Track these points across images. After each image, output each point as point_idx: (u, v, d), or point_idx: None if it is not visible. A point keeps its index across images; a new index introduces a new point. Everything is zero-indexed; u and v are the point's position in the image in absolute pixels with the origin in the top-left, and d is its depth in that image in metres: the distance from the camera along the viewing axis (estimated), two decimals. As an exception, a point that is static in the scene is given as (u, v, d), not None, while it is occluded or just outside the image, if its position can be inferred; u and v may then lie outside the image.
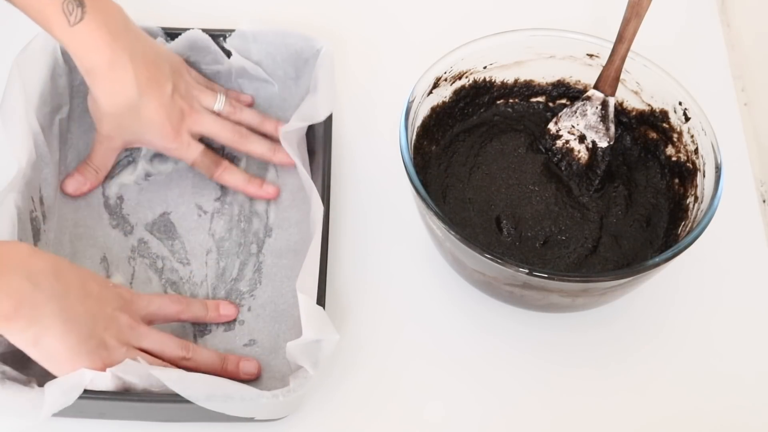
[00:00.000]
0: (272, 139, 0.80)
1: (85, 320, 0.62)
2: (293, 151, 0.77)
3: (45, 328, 0.60)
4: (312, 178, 0.78)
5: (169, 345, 0.67)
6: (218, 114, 0.79)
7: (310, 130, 0.80)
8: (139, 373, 0.63)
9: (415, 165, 0.70)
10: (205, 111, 0.78)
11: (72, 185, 0.77)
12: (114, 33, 0.71)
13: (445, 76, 0.76)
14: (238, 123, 0.79)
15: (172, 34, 0.81)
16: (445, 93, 0.77)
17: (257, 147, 0.79)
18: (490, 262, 0.65)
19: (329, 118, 0.79)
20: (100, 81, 0.73)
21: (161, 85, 0.74)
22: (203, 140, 0.79)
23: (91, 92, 0.75)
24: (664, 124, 0.76)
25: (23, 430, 0.63)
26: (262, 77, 0.83)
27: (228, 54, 0.82)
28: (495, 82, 0.79)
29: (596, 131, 0.77)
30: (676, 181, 0.76)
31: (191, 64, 0.83)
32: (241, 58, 0.81)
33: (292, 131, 0.77)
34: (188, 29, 0.81)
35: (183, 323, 0.73)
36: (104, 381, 0.63)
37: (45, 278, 0.61)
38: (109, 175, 0.80)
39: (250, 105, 0.83)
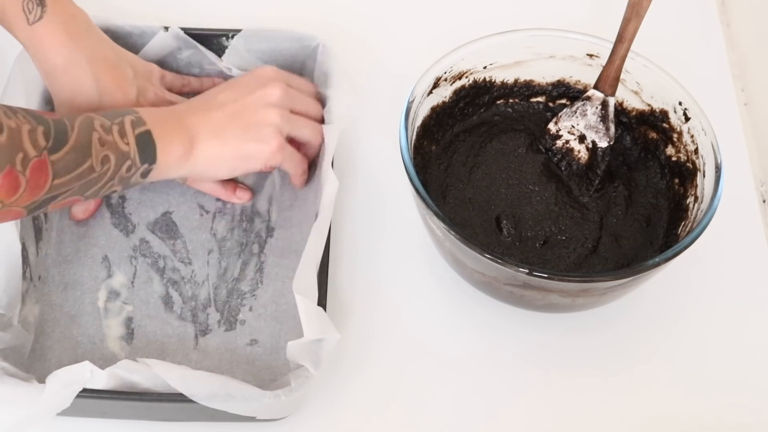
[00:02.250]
0: None
1: (232, 121, 0.71)
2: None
3: (209, 151, 0.70)
4: (312, 178, 0.78)
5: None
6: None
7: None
8: (141, 372, 0.63)
9: (415, 165, 0.70)
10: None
11: (79, 210, 0.77)
12: (73, 34, 0.71)
13: (445, 76, 0.76)
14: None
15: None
16: (445, 93, 0.77)
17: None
18: (490, 262, 0.65)
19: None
20: (58, 82, 0.72)
21: (124, 89, 0.74)
22: None
23: (54, 99, 0.73)
24: (664, 124, 0.76)
25: (26, 427, 0.63)
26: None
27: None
28: (495, 82, 0.79)
29: (596, 131, 0.77)
30: (676, 181, 0.76)
31: (192, 63, 0.83)
32: (243, 52, 0.82)
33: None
34: (189, 29, 0.81)
35: (183, 325, 0.73)
36: (105, 378, 0.63)
37: (188, 115, 0.70)
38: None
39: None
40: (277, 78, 0.75)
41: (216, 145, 0.70)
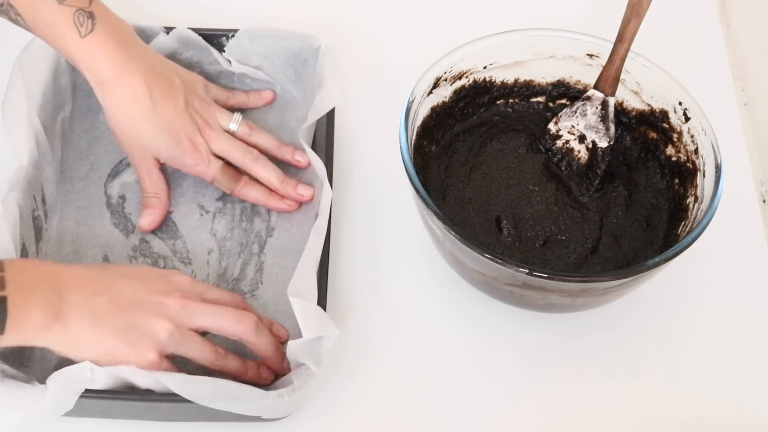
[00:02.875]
0: (290, 164, 0.80)
1: (117, 318, 0.62)
2: (309, 146, 0.77)
3: (77, 333, 0.61)
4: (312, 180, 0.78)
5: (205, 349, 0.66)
6: (233, 134, 0.78)
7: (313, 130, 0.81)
8: (142, 375, 0.63)
9: (415, 165, 0.70)
10: (221, 129, 0.77)
11: (145, 221, 0.77)
12: (123, 44, 0.72)
13: (445, 76, 0.76)
14: (253, 145, 0.78)
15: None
16: (445, 93, 0.77)
17: (265, 173, 0.77)
18: (490, 262, 0.65)
19: (331, 119, 0.79)
20: (111, 93, 0.73)
21: (173, 96, 0.74)
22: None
23: (105, 111, 0.74)
24: (664, 124, 0.76)
25: (26, 428, 0.63)
26: (263, 78, 0.84)
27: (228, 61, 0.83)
28: (495, 82, 0.79)
29: (596, 131, 0.77)
30: (676, 181, 0.76)
31: (193, 63, 0.83)
32: (241, 65, 0.82)
33: (306, 128, 0.78)
34: (190, 28, 0.82)
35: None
36: (104, 378, 0.63)
37: (69, 287, 0.62)
38: (112, 175, 0.80)
39: (272, 100, 0.83)
40: (188, 290, 0.66)
41: (86, 331, 0.62)
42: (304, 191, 0.78)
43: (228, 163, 0.77)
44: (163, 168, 0.77)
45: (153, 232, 0.77)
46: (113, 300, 0.63)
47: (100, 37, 0.71)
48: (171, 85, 0.75)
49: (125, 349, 0.62)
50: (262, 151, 0.79)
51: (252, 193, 0.78)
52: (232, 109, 0.80)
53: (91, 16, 0.71)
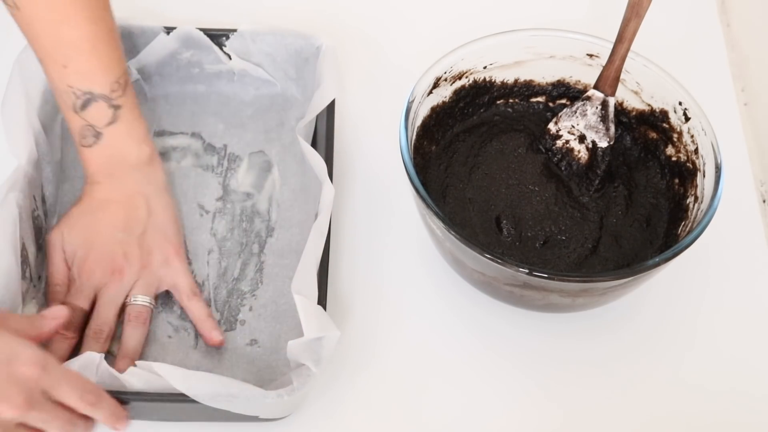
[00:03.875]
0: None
1: None
2: (308, 143, 0.77)
3: None
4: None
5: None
6: (123, 304, 0.72)
7: (313, 129, 0.81)
8: (141, 374, 0.63)
9: (415, 165, 0.70)
10: (121, 290, 0.72)
11: (48, 325, 0.67)
12: (114, 171, 0.73)
13: (445, 76, 0.76)
14: (123, 326, 0.71)
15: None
16: (445, 93, 0.77)
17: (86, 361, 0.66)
18: (490, 262, 0.65)
19: (331, 118, 0.79)
20: (88, 191, 0.74)
21: (117, 227, 0.72)
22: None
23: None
24: (664, 124, 0.76)
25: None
26: (264, 77, 0.84)
27: (228, 56, 0.82)
28: (495, 82, 0.79)
29: (596, 131, 0.77)
30: (676, 181, 0.76)
31: (193, 63, 0.83)
32: (242, 61, 0.82)
33: (305, 125, 0.78)
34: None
35: (183, 325, 0.73)
36: (105, 378, 0.63)
37: None
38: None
39: (219, 344, 0.72)
40: (34, 383, 0.59)
41: None
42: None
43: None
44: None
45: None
46: None
47: (94, 155, 0.73)
48: (129, 220, 0.73)
49: None
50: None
51: (59, 349, 0.69)
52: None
53: (97, 136, 0.72)
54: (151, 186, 0.75)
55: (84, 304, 0.71)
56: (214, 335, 0.71)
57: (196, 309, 0.72)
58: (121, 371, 0.64)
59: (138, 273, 0.72)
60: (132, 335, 0.70)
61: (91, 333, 0.70)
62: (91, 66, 0.70)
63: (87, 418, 0.63)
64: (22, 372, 0.58)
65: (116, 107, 0.72)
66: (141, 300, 0.71)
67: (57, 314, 0.66)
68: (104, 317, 0.70)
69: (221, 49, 0.82)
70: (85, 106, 0.71)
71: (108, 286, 0.71)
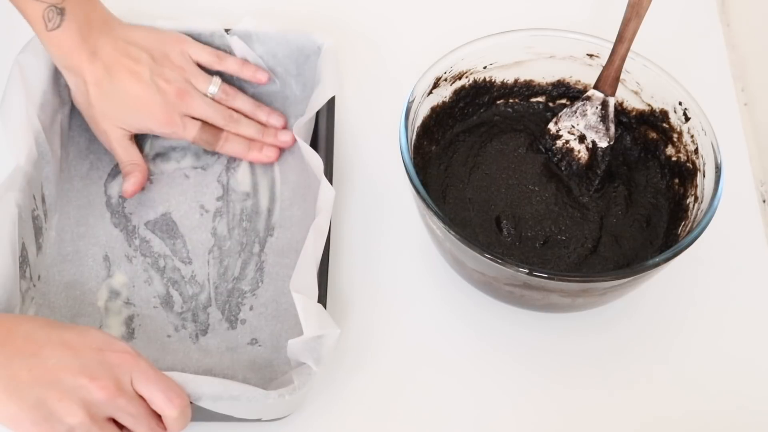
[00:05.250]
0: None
1: (30, 389, 0.58)
2: (307, 143, 0.77)
3: None
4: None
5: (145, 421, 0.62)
6: (212, 98, 0.80)
7: (312, 129, 0.81)
8: None
9: (415, 165, 0.70)
10: (198, 94, 0.79)
11: (128, 185, 0.78)
12: (87, 37, 0.75)
13: (445, 76, 0.76)
14: (232, 108, 0.81)
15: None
16: (445, 93, 0.77)
17: (247, 129, 0.80)
18: (490, 262, 0.65)
19: (331, 118, 0.79)
20: (73, 78, 0.76)
21: (137, 72, 0.76)
22: None
23: (71, 93, 0.78)
24: (664, 124, 0.76)
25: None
26: (264, 74, 0.84)
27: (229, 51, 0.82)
28: (495, 82, 0.79)
29: (596, 131, 0.77)
30: (676, 181, 0.76)
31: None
32: (244, 48, 0.81)
33: (302, 124, 0.78)
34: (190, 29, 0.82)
35: (184, 324, 0.73)
36: None
37: None
38: (112, 174, 0.80)
39: (265, 81, 0.82)
40: (124, 373, 0.61)
41: None
42: (284, 137, 0.81)
43: (206, 123, 0.79)
44: (134, 138, 0.79)
45: (153, 231, 0.77)
46: (33, 368, 0.58)
47: (65, 32, 0.74)
48: (136, 61, 0.76)
49: (29, 426, 0.58)
50: (241, 114, 0.81)
51: (233, 148, 0.80)
52: (221, 74, 0.81)
53: (61, 12, 0.73)
54: (116, 26, 0.77)
55: (195, 125, 0.78)
56: (259, 75, 0.81)
57: (232, 65, 0.81)
58: (280, 125, 0.80)
59: (184, 78, 0.78)
60: (243, 102, 0.81)
61: (228, 126, 0.79)
62: None
63: (161, 421, 0.63)
64: (114, 358, 0.61)
65: None
66: (213, 84, 0.79)
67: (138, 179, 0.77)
68: (217, 112, 0.79)
69: (223, 43, 0.82)
70: None
71: (189, 104, 0.78)
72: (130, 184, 0.78)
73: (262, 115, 0.82)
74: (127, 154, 0.78)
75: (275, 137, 0.81)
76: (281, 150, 0.81)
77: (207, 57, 0.80)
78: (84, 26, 0.74)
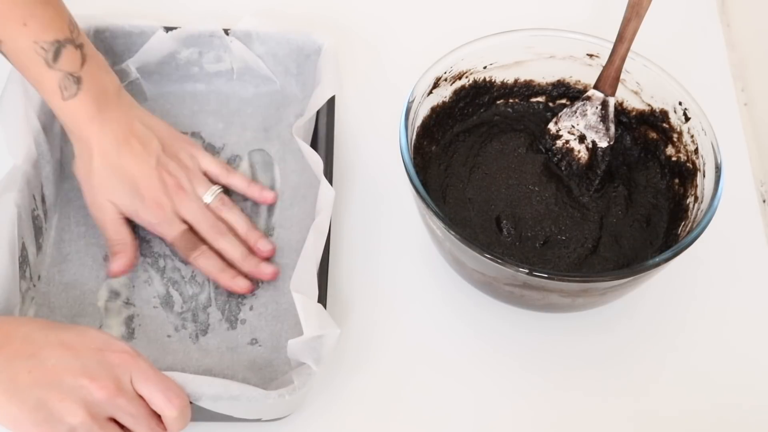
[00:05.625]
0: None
1: (30, 390, 0.58)
2: (307, 143, 0.77)
3: None
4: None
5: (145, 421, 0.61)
6: (206, 206, 0.76)
7: (312, 129, 0.81)
8: None
9: (415, 165, 0.70)
10: (195, 197, 0.75)
11: (116, 266, 0.74)
12: (104, 108, 0.73)
13: (445, 76, 0.76)
14: (223, 220, 0.76)
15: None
16: (445, 93, 0.77)
17: (229, 248, 0.75)
18: (490, 262, 0.65)
19: (331, 118, 0.79)
20: (81, 146, 0.74)
21: (144, 155, 0.74)
22: None
23: (75, 160, 0.75)
24: (664, 124, 0.76)
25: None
26: (264, 74, 0.84)
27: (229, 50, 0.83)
28: (495, 82, 0.79)
29: (596, 131, 0.77)
30: (676, 181, 0.76)
31: (192, 61, 0.83)
32: (244, 49, 0.81)
33: (302, 124, 0.78)
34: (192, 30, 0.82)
35: (184, 324, 0.73)
36: None
37: None
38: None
39: (272, 202, 0.79)
40: (124, 372, 0.61)
41: None
42: (266, 269, 0.75)
43: (191, 230, 0.75)
44: (128, 221, 0.75)
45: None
46: (32, 369, 0.58)
47: (80, 102, 0.71)
48: (146, 145, 0.74)
49: (30, 427, 0.58)
50: (231, 228, 0.76)
51: (207, 264, 0.74)
52: (225, 187, 0.78)
53: (78, 81, 0.71)
54: (133, 105, 0.76)
55: (180, 226, 0.74)
56: (266, 195, 0.79)
57: (238, 181, 0.78)
58: (266, 253, 0.75)
59: (187, 177, 0.75)
60: (236, 219, 0.76)
61: (211, 238, 0.75)
62: (48, 14, 0.69)
63: (161, 421, 0.63)
64: (113, 358, 0.61)
65: (80, 46, 0.71)
66: (211, 192, 0.76)
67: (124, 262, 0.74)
68: (206, 220, 0.75)
69: (222, 44, 0.82)
70: (57, 56, 0.70)
71: (182, 203, 0.74)
72: (117, 265, 0.74)
73: (252, 237, 0.76)
74: (117, 233, 0.74)
75: (256, 267, 0.74)
76: (253, 285, 0.75)
77: (215, 169, 0.78)
78: (100, 97, 0.72)
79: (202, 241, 0.75)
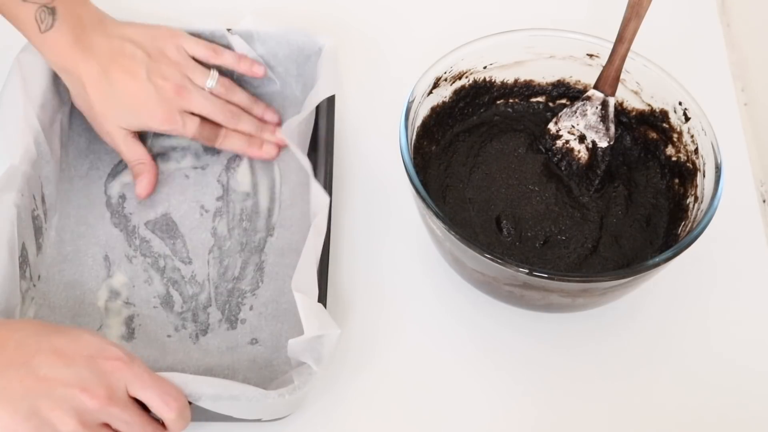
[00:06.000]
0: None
1: (22, 399, 0.58)
2: (293, 143, 0.77)
3: None
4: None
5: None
6: (210, 92, 0.79)
7: (312, 129, 0.81)
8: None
9: (415, 165, 0.70)
10: (197, 90, 0.78)
11: (140, 187, 0.78)
12: (81, 36, 0.74)
13: (445, 76, 0.76)
14: (230, 103, 0.80)
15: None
16: (445, 93, 0.77)
17: (246, 126, 0.80)
18: (490, 262, 0.65)
19: (331, 119, 0.79)
20: (70, 79, 0.76)
21: (133, 71, 0.76)
22: None
23: (70, 94, 0.78)
24: (664, 124, 0.76)
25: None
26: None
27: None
28: (495, 82, 0.79)
29: (596, 131, 0.77)
30: (676, 181, 0.76)
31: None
32: (244, 46, 0.81)
33: (292, 123, 0.78)
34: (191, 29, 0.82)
35: (184, 324, 0.73)
36: None
37: None
38: (112, 174, 0.80)
39: (261, 75, 0.82)
40: (117, 380, 0.60)
41: None
42: (280, 134, 0.80)
43: (205, 118, 0.79)
44: (138, 136, 0.79)
45: (153, 231, 0.77)
46: (24, 378, 0.58)
47: (58, 32, 0.73)
48: (132, 60, 0.76)
49: None
50: (238, 107, 0.81)
51: (233, 144, 0.80)
52: (219, 68, 0.81)
53: (52, 12, 0.72)
54: (109, 25, 0.77)
55: (194, 122, 0.78)
56: (255, 69, 0.80)
57: (228, 60, 0.80)
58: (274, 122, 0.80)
59: (182, 74, 0.77)
60: (239, 97, 0.80)
61: (227, 122, 0.79)
62: None
63: (162, 424, 0.63)
64: (106, 366, 0.60)
65: None
66: (212, 77, 0.79)
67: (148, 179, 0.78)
68: (217, 108, 0.78)
69: (223, 44, 0.82)
70: None
71: (188, 101, 0.77)
72: (142, 186, 0.78)
73: (258, 110, 0.82)
74: (133, 153, 0.78)
75: (272, 133, 0.81)
76: (280, 148, 0.81)
77: (203, 51, 0.80)
78: (77, 25, 0.74)
79: (219, 125, 0.80)
